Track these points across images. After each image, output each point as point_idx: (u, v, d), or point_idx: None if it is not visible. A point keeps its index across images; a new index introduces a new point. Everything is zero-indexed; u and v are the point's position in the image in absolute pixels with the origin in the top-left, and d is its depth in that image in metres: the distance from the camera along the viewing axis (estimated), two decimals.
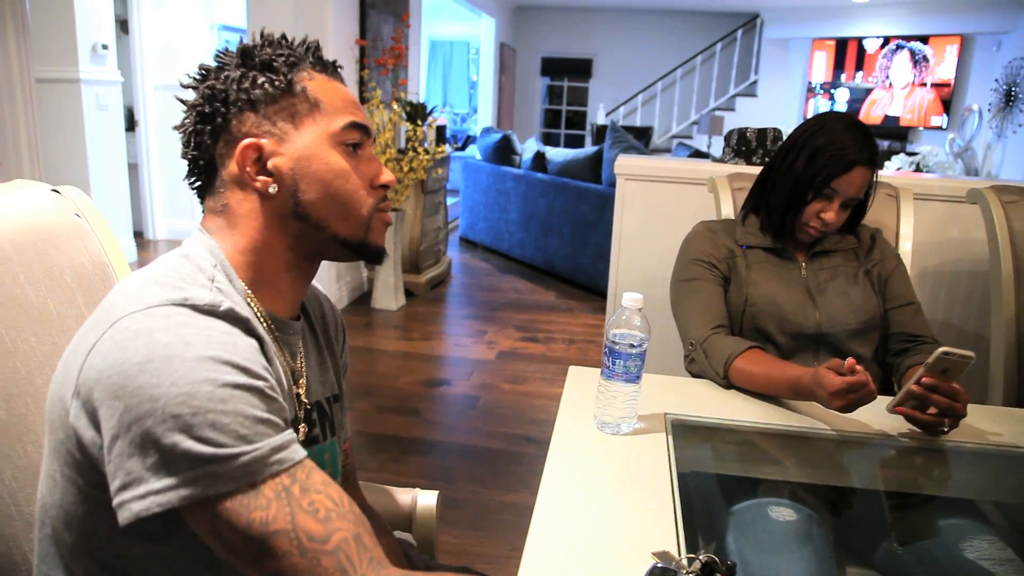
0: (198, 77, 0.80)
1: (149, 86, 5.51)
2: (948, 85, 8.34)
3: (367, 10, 4.36)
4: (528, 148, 5.79)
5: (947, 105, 8.35)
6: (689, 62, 10.17)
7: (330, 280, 4.23)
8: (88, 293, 0.96)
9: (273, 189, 0.77)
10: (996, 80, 7.37)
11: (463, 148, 9.36)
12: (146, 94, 5.50)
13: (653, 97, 10.49)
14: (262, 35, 0.82)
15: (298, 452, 0.66)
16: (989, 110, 7.42)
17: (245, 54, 0.79)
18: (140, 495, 0.60)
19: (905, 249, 1.84)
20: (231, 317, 0.68)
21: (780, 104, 9.67)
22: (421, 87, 5.86)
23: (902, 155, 7.61)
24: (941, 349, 1.08)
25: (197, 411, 0.60)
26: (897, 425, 1.21)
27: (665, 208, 2.73)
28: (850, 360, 1.12)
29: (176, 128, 0.81)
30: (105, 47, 4.68)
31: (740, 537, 1.05)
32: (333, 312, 1.00)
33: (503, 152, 6.00)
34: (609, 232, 2.85)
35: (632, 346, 1.04)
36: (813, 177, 1.41)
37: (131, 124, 5.49)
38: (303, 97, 0.79)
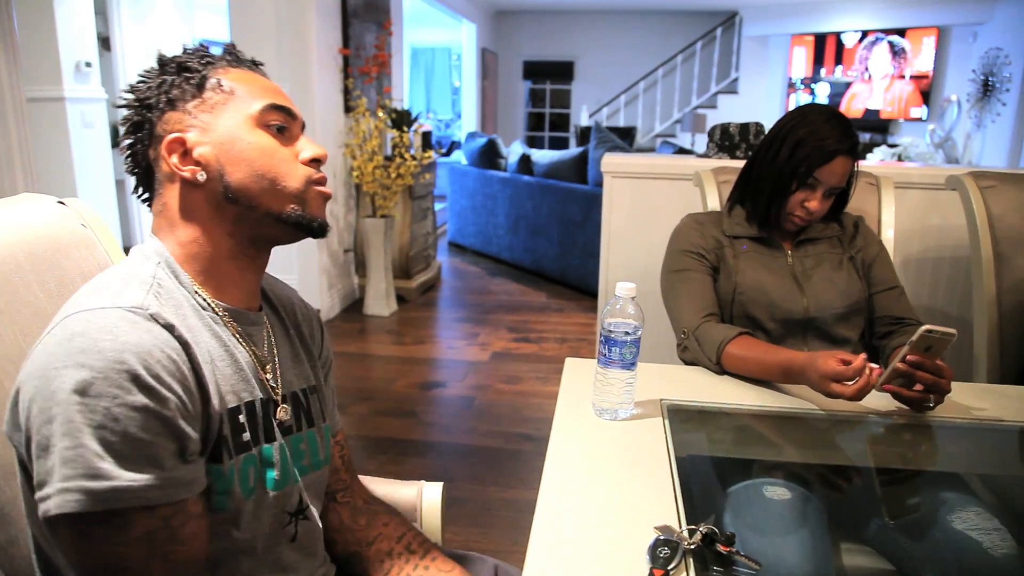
0: (127, 93, 0.84)
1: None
2: (927, 77, 8.45)
3: (349, 19, 4.39)
4: (513, 151, 5.83)
5: (926, 96, 8.47)
6: (670, 61, 10.26)
7: (321, 288, 4.24)
8: None
9: (202, 176, 0.80)
10: (973, 70, 7.48)
11: (448, 154, 9.40)
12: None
13: (636, 97, 10.56)
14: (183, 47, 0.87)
15: (182, 489, 0.68)
16: (968, 100, 7.52)
17: (162, 62, 0.84)
18: (47, 495, 0.63)
19: (887, 236, 1.88)
20: (154, 320, 0.70)
21: (761, 100, 9.76)
22: (405, 94, 5.89)
23: (884, 147, 7.72)
24: (924, 327, 1.12)
25: (90, 423, 0.63)
26: (885, 403, 1.25)
27: (652, 203, 2.78)
28: (861, 357, 1.16)
29: (117, 146, 0.86)
30: (88, 64, 4.69)
31: (737, 517, 1.09)
32: (305, 308, 1.02)
33: (489, 156, 6.04)
34: (597, 231, 2.89)
35: (627, 333, 1.08)
36: (796, 168, 1.45)
37: (117, 140, 5.49)
38: (218, 89, 0.82)
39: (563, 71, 11.18)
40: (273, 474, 0.83)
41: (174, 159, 0.80)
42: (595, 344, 1.12)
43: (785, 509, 1.10)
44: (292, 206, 0.83)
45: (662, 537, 0.82)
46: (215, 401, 0.75)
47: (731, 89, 10.13)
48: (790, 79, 9.61)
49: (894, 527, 1.14)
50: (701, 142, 8.40)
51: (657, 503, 0.93)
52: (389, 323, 4.33)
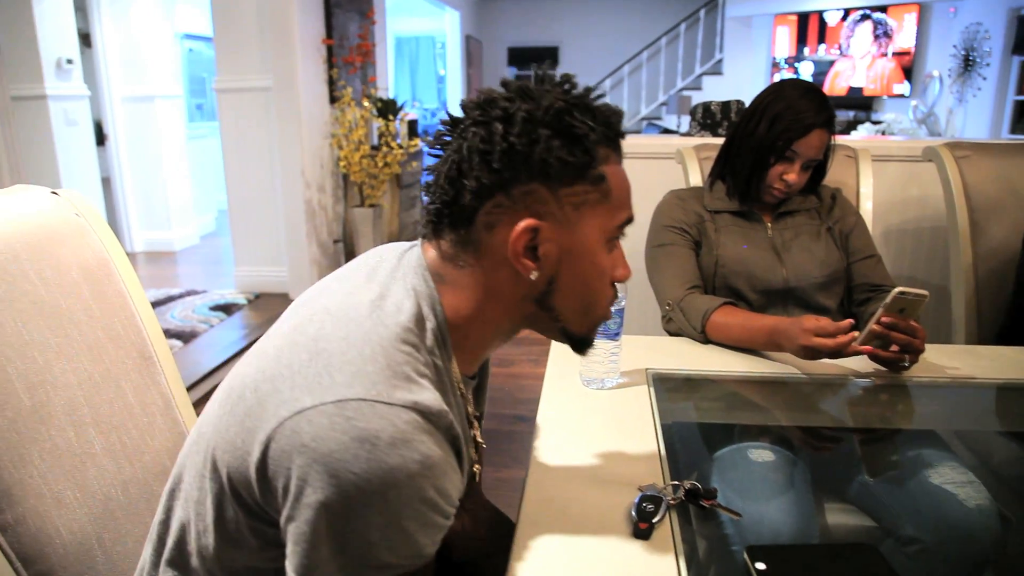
0: (496, 116, 0.69)
1: (116, 99, 5.49)
2: (908, 53, 8.49)
3: (332, 9, 4.39)
4: None
5: (908, 73, 8.50)
6: (654, 44, 10.26)
7: (312, 279, 4.26)
8: (94, 287, 1.01)
9: (534, 276, 0.71)
10: (954, 46, 7.51)
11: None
12: (114, 107, 5.48)
13: (621, 81, 10.57)
14: (568, 89, 0.72)
15: (432, 554, 0.68)
16: (949, 75, 7.57)
17: (560, 116, 0.68)
18: None
19: (866, 208, 1.92)
20: (449, 433, 0.65)
21: (746, 80, 9.78)
22: (390, 84, 5.89)
23: (868, 124, 7.77)
24: (897, 289, 1.16)
25: (387, 539, 0.61)
26: (862, 365, 1.29)
27: (636, 182, 2.76)
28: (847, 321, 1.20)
29: (430, 146, 0.74)
30: (70, 62, 4.67)
31: (723, 480, 1.12)
32: None
33: None
34: None
35: None
36: (774, 141, 1.48)
37: (101, 138, 5.47)
38: (599, 186, 0.71)
39: (548, 56, 11.14)
40: None
41: (519, 245, 0.69)
42: None
43: (770, 471, 1.14)
44: (585, 329, 0.78)
45: (646, 493, 0.85)
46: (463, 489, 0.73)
47: (716, 70, 10.14)
48: (774, 59, 9.63)
49: (874, 484, 1.18)
50: (687, 123, 8.43)
51: (643, 466, 0.96)
52: None
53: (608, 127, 0.71)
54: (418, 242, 0.77)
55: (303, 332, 0.68)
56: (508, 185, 0.68)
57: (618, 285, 1.11)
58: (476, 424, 0.83)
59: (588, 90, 0.73)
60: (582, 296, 0.74)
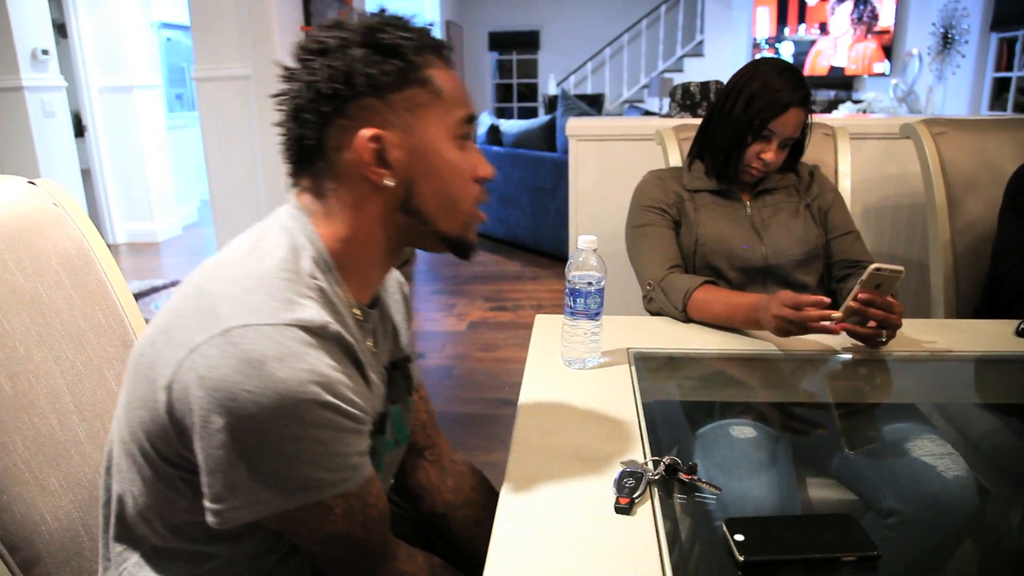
0: (313, 49, 0.74)
1: (94, 89, 5.42)
2: (888, 32, 8.51)
3: None
4: (482, 123, 5.83)
5: (888, 51, 8.53)
6: (635, 27, 10.23)
7: None
8: (73, 276, 1.01)
9: (390, 182, 0.75)
10: (933, 24, 7.53)
11: None
12: (92, 98, 5.42)
13: (602, 64, 10.54)
14: (381, 13, 0.78)
15: (368, 471, 0.74)
16: (929, 53, 7.59)
17: (370, 33, 0.74)
18: (232, 508, 0.67)
19: (845, 186, 1.94)
20: (336, 340, 0.70)
21: (727, 62, 9.76)
22: None
23: (849, 103, 7.80)
24: (873, 265, 1.17)
25: (301, 451, 0.66)
26: (841, 341, 1.31)
27: (617, 165, 2.81)
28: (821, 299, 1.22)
29: (276, 99, 0.77)
30: (45, 52, 4.61)
31: (705, 457, 1.13)
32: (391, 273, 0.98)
33: None
34: (567, 198, 2.92)
35: (590, 284, 1.12)
36: (751, 120, 1.49)
37: (80, 129, 5.41)
38: (428, 87, 0.75)
39: (529, 41, 11.11)
40: (375, 460, 0.84)
41: (367, 157, 0.74)
42: None
43: (751, 447, 1.15)
44: (459, 228, 0.81)
45: (627, 470, 0.86)
46: (376, 404, 0.79)
47: (697, 52, 10.12)
48: (754, 39, 9.63)
49: (855, 458, 1.20)
50: (668, 105, 8.43)
51: (624, 443, 0.97)
52: None
53: (423, 35, 0.76)
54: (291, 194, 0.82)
55: (189, 284, 0.73)
56: (343, 107, 0.73)
57: (596, 266, 1.13)
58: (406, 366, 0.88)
59: (399, 16, 0.78)
60: (443, 193, 0.78)
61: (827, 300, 1.21)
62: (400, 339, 0.95)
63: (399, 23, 0.76)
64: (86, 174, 5.36)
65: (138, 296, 4.14)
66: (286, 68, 0.76)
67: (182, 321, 0.69)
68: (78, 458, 0.89)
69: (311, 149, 0.75)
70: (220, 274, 0.72)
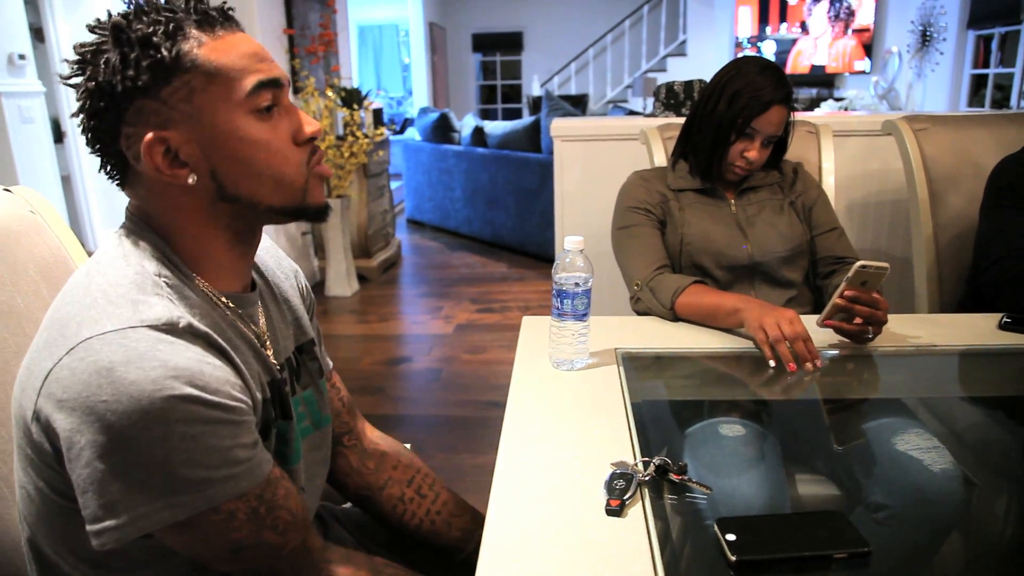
0: (77, 63, 0.71)
1: (73, 95, 5.35)
2: (868, 30, 8.58)
3: None
4: (466, 124, 5.81)
5: (868, 49, 8.60)
6: (618, 27, 10.26)
7: None
8: (52, 285, 0.99)
9: (192, 179, 0.71)
10: (912, 22, 7.60)
11: (401, 131, 9.30)
12: (71, 103, 5.33)
13: (586, 64, 10.56)
14: (132, 1, 0.72)
15: (264, 468, 0.70)
16: (908, 51, 7.66)
17: (118, 32, 0.68)
18: (113, 527, 0.63)
19: (829, 183, 1.94)
20: (190, 333, 0.66)
21: (710, 61, 9.81)
22: (354, 73, 5.83)
23: (830, 101, 7.85)
24: (859, 263, 1.18)
25: (172, 451, 0.62)
26: (828, 338, 1.31)
27: (602, 165, 2.81)
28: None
29: (60, 141, 0.76)
30: (22, 57, 4.56)
31: (694, 456, 1.13)
32: (279, 258, 0.96)
33: (442, 130, 6.02)
34: (553, 199, 2.92)
35: (577, 285, 1.11)
36: (734, 119, 1.49)
37: (59, 135, 5.35)
38: (196, 70, 0.69)
39: (512, 42, 11.12)
40: (288, 448, 0.82)
41: (157, 162, 0.70)
42: None
43: (740, 445, 1.15)
44: (294, 197, 0.76)
45: (618, 471, 0.86)
46: (256, 393, 0.74)
47: (680, 51, 10.17)
48: (737, 38, 9.68)
49: (843, 454, 1.20)
50: (652, 105, 8.46)
51: (614, 444, 0.97)
52: (352, 303, 4.33)
53: (187, 12, 0.70)
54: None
55: (44, 318, 0.71)
56: (120, 115, 0.69)
57: (583, 267, 1.12)
58: (267, 346, 0.83)
59: None
60: (256, 172, 0.73)
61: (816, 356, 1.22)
62: (301, 323, 0.92)
63: (152, 5, 0.70)
64: (66, 180, 5.29)
65: None
66: (70, 86, 0.73)
67: (38, 353, 0.67)
68: None
69: (117, 162, 0.73)
70: (63, 299, 0.69)
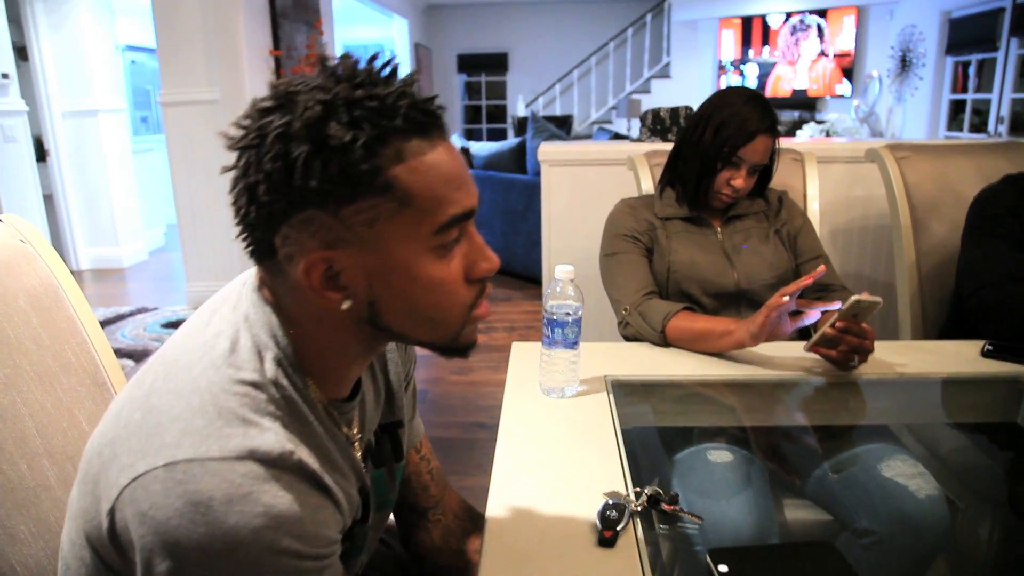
0: (253, 132, 0.60)
1: (57, 114, 5.33)
2: (849, 55, 8.73)
3: (279, 20, 4.34)
4: None
5: (849, 73, 8.75)
6: (602, 49, 10.37)
7: None
8: (42, 315, 0.99)
9: (346, 305, 0.63)
10: (892, 47, 7.74)
11: None
12: (54, 122, 5.33)
13: (571, 86, 10.65)
14: (339, 73, 0.61)
15: None
16: (888, 75, 7.80)
17: (317, 126, 0.58)
18: None
19: (813, 209, 1.97)
20: (298, 471, 0.60)
21: (693, 83, 9.94)
22: None
23: (812, 124, 7.96)
24: (854, 297, 1.19)
25: None
26: (813, 364, 1.33)
27: (589, 189, 2.84)
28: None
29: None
30: (6, 76, 4.54)
31: (683, 482, 1.14)
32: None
33: None
34: (539, 220, 2.94)
35: (568, 314, 1.12)
36: (720, 148, 1.52)
37: (42, 154, 5.32)
38: (388, 195, 0.60)
39: (497, 63, 11.21)
40: (355, 546, 0.78)
41: (315, 283, 0.62)
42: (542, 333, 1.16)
43: (729, 471, 1.16)
44: (447, 337, 0.68)
45: (610, 502, 0.86)
46: (348, 520, 0.70)
47: (664, 74, 10.28)
48: (720, 62, 9.81)
49: (830, 480, 1.22)
50: (637, 127, 8.54)
51: (605, 473, 0.97)
52: None
53: (393, 115, 0.59)
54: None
55: (139, 386, 0.64)
56: (285, 215, 0.60)
57: (574, 296, 1.13)
58: (354, 446, 0.77)
59: (370, 74, 0.60)
60: (417, 312, 0.65)
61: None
62: (394, 402, 0.87)
63: (356, 100, 0.58)
64: (49, 199, 5.26)
65: (103, 324, 4.06)
66: (231, 139, 0.63)
67: (127, 437, 0.60)
68: (48, 503, 0.87)
69: (262, 246, 0.63)
70: (170, 383, 0.62)
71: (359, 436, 0.77)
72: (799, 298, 1.24)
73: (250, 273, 0.70)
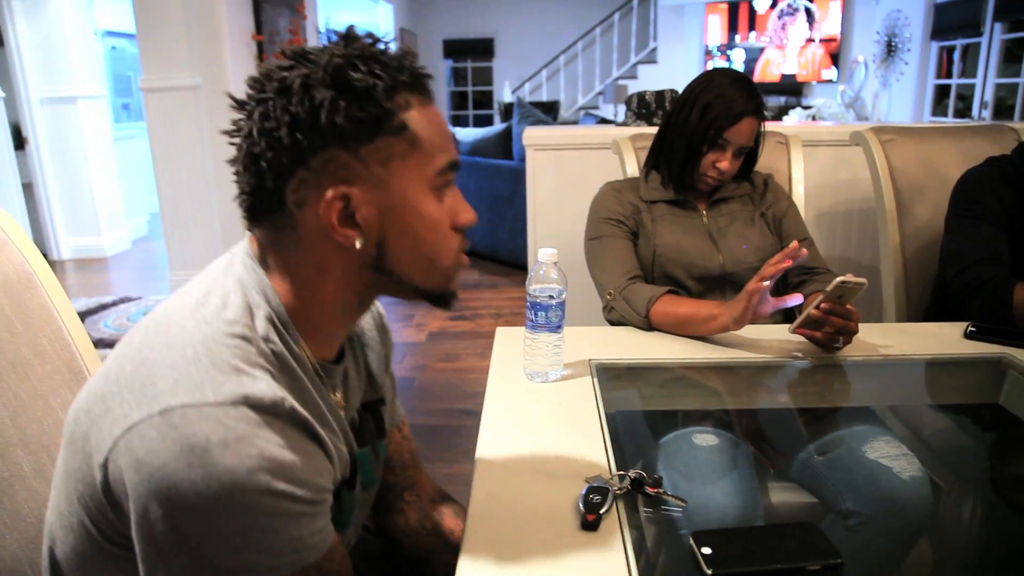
0: (273, 87, 0.66)
1: (35, 100, 5.25)
2: (835, 39, 8.74)
3: (261, 4, 4.29)
4: None
5: (835, 58, 8.75)
6: (589, 34, 10.32)
7: None
8: (16, 302, 0.97)
9: (359, 243, 0.68)
10: (877, 32, 7.75)
11: None
12: (32, 109, 5.25)
13: (557, 71, 10.61)
14: (349, 38, 0.68)
15: (329, 540, 0.67)
16: (874, 60, 7.81)
17: (340, 72, 0.64)
18: None
19: (799, 193, 1.97)
20: (291, 418, 0.63)
21: (680, 68, 9.91)
22: None
23: (798, 109, 7.96)
24: (839, 278, 1.19)
25: (250, 541, 0.60)
26: (798, 346, 1.32)
27: (574, 174, 2.83)
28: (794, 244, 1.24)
29: (227, 135, 0.69)
30: None
31: (668, 466, 1.14)
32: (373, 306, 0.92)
33: None
34: (525, 206, 2.92)
35: (551, 297, 1.12)
36: (706, 130, 1.51)
37: (20, 142, 5.24)
38: (402, 135, 0.67)
39: (483, 48, 11.14)
40: (343, 515, 0.80)
41: (331, 217, 0.66)
42: None
43: (714, 455, 1.16)
44: (439, 281, 0.74)
45: (593, 485, 0.86)
46: (338, 475, 0.72)
47: (650, 59, 10.25)
48: (707, 47, 9.79)
49: (814, 462, 1.22)
50: (623, 113, 8.51)
51: (589, 457, 0.97)
52: None
53: (400, 71, 0.67)
54: (247, 235, 0.74)
55: (129, 344, 0.66)
56: (304, 158, 0.65)
57: (557, 279, 1.12)
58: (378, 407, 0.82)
59: (373, 39, 0.69)
60: (419, 251, 0.71)
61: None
62: (375, 380, 0.90)
63: (373, 55, 0.67)
64: (28, 188, 5.20)
65: (86, 314, 4.02)
66: (238, 102, 0.68)
67: (119, 391, 0.62)
68: (23, 493, 0.86)
69: (269, 200, 0.68)
70: (162, 338, 0.64)
71: (344, 407, 0.80)
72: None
73: (241, 243, 0.74)
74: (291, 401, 0.63)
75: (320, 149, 0.65)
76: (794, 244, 1.23)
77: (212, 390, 0.59)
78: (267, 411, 0.61)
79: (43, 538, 0.75)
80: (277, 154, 0.65)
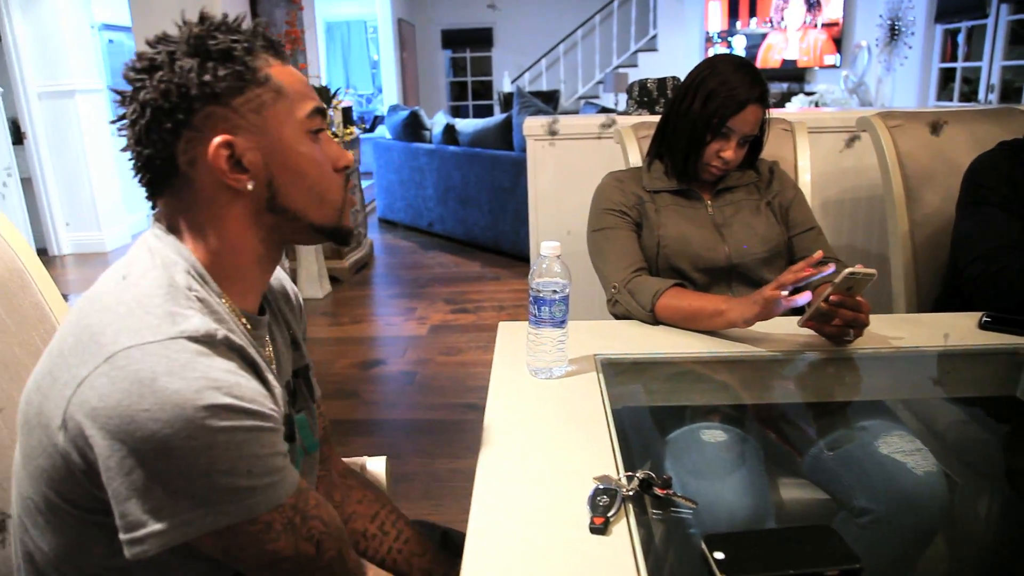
0: (143, 68, 0.73)
1: (32, 94, 5.23)
2: (837, 24, 8.67)
3: None
4: (437, 122, 5.77)
5: (838, 43, 8.69)
6: (588, 22, 10.26)
7: None
8: (8, 300, 0.95)
9: (251, 186, 0.74)
10: (880, 16, 7.69)
11: (371, 130, 9.23)
12: (30, 103, 5.22)
13: (556, 60, 10.55)
14: (203, 18, 0.76)
15: (295, 476, 0.72)
16: (877, 45, 7.74)
17: (199, 41, 0.72)
18: (157, 531, 0.63)
19: (804, 180, 1.94)
20: (227, 345, 0.68)
21: (681, 56, 9.86)
22: (322, 71, 5.75)
23: (801, 95, 7.91)
24: (848, 270, 1.16)
25: (216, 460, 0.63)
26: (808, 339, 1.29)
27: (576, 164, 2.79)
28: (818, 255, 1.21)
29: (116, 123, 0.75)
30: None
31: (676, 463, 1.12)
32: (280, 281, 0.97)
33: (412, 128, 5.96)
34: (526, 197, 2.89)
35: (555, 291, 1.08)
36: (709, 118, 1.47)
37: (18, 137, 5.22)
38: (267, 86, 0.75)
39: (482, 38, 11.08)
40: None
41: (222, 164, 0.73)
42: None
43: (722, 451, 1.14)
44: (332, 217, 0.81)
45: (601, 486, 0.83)
46: (279, 403, 0.75)
47: (650, 47, 10.19)
48: (707, 33, 9.73)
49: (826, 457, 1.19)
50: (624, 101, 8.47)
51: (596, 455, 0.94)
52: (324, 305, 4.27)
53: (255, 36, 0.76)
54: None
55: (66, 324, 0.71)
56: (187, 120, 0.71)
57: (560, 273, 1.09)
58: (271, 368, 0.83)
59: (226, 16, 0.77)
60: (307, 186, 0.78)
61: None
62: (301, 348, 0.95)
63: (227, 26, 0.75)
64: (27, 183, 5.17)
65: None
66: (119, 92, 0.75)
67: (64, 359, 0.66)
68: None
69: (164, 168, 0.74)
70: (95, 306, 0.69)
71: (277, 367, 0.85)
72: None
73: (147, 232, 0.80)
74: (224, 331, 0.68)
75: (198, 110, 0.72)
76: (819, 254, 1.21)
77: (151, 331, 0.64)
78: (204, 342, 0.66)
79: (9, 535, 0.77)
80: (161, 123, 0.71)
